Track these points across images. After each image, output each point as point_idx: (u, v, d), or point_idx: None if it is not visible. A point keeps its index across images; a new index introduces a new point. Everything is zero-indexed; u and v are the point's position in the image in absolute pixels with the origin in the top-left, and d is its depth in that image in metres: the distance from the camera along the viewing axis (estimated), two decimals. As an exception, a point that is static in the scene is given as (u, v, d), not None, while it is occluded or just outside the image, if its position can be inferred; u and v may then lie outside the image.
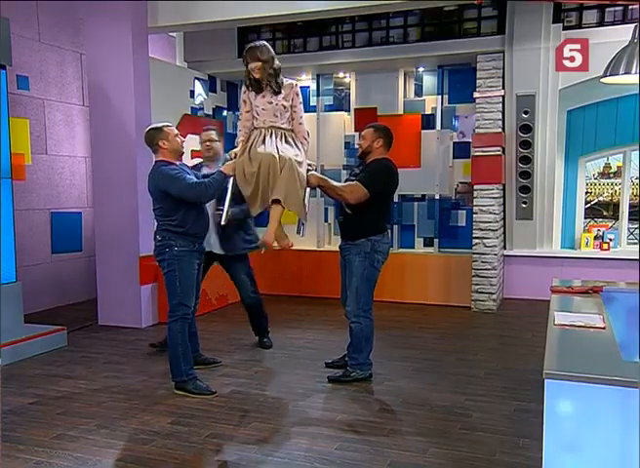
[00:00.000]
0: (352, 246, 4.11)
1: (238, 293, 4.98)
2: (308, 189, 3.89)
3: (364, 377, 4.17)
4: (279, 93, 3.76)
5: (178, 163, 3.99)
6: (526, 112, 6.35)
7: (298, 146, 3.83)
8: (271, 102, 3.75)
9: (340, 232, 4.31)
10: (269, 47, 3.79)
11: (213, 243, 4.65)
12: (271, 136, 3.74)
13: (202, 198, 3.85)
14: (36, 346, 4.84)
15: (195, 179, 3.85)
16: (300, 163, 3.75)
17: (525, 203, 6.59)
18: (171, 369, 3.98)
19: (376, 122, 4.61)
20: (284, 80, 3.83)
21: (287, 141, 3.79)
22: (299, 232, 4.02)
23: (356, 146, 4.43)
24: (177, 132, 3.98)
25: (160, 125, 3.96)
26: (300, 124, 3.87)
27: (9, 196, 4.88)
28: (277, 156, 3.64)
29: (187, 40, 7.31)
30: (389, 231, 4.48)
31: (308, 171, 3.88)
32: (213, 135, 4.81)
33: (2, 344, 4.39)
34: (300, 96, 3.89)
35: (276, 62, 3.77)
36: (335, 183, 4.05)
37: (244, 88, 3.89)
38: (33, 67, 6.36)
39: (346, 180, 4.27)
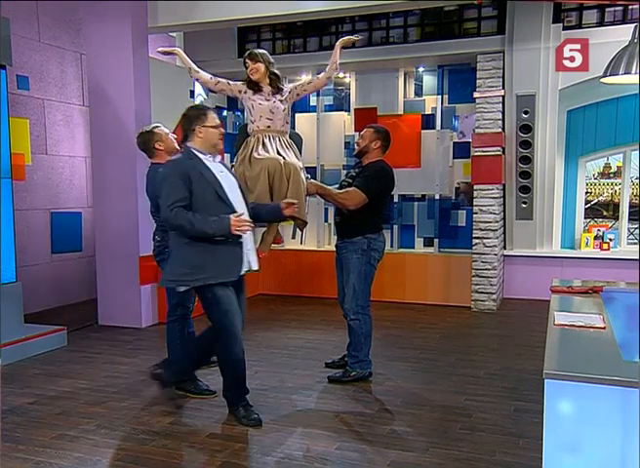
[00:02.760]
0: (349, 243, 4.12)
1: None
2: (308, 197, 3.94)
3: (364, 376, 4.18)
4: (277, 93, 3.87)
5: None
6: (526, 112, 6.35)
7: (294, 152, 3.87)
8: (269, 100, 3.82)
9: (337, 231, 4.31)
10: (268, 54, 3.97)
11: (252, 259, 3.44)
12: (269, 139, 3.76)
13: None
14: (36, 346, 4.84)
15: None
16: (301, 169, 3.79)
17: (525, 203, 6.59)
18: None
19: (377, 123, 4.63)
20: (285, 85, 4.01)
21: (284, 146, 3.81)
22: (294, 237, 4.04)
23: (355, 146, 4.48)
24: (167, 131, 3.98)
25: (150, 127, 3.96)
26: None
27: (9, 196, 4.89)
28: (282, 163, 3.66)
29: (187, 40, 7.31)
30: (387, 230, 4.50)
31: (307, 178, 3.92)
32: None
33: (2, 344, 4.39)
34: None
35: (275, 68, 3.92)
36: (333, 191, 4.08)
37: (242, 84, 3.98)
38: (33, 67, 6.35)
39: (342, 183, 4.29)
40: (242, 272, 3.35)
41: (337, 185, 4.26)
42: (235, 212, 3.23)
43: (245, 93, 3.90)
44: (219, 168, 3.36)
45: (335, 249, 4.33)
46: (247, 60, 3.89)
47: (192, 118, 3.35)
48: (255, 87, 3.86)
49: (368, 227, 4.10)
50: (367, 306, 4.17)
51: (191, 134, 3.34)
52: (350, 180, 4.14)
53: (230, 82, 4.00)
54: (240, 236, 3.24)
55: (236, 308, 3.35)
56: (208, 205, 3.20)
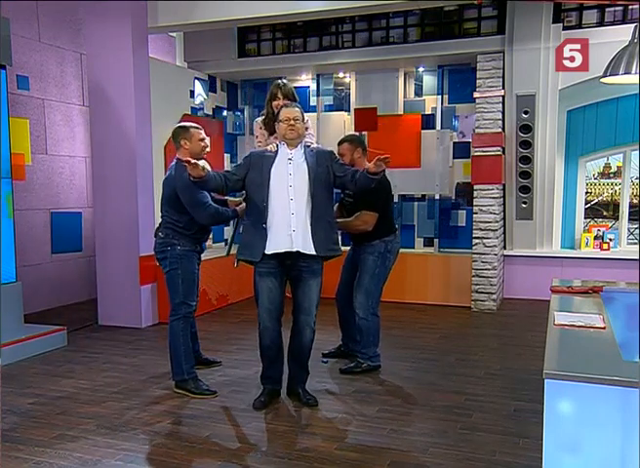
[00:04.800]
0: (367, 246, 4.26)
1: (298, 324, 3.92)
2: None
3: (375, 367, 4.35)
4: None
5: None
6: (526, 112, 6.35)
7: None
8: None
9: (354, 240, 4.42)
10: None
11: (299, 242, 3.52)
12: None
13: (202, 220, 3.85)
14: (36, 346, 4.84)
15: (209, 199, 3.82)
16: None
17: (525, 203, 6.59)
18: (172, 367, 3.98)
19: (344, 135, 4.74)
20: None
21: None
22: None
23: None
24: (203, 136, 3.95)
25: (188, 124, 3.98)
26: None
27: (9, 196, 4.88)
28: None
29: (187, 40, 7.31)
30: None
31: None
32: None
33: (2, 344, 4.39)
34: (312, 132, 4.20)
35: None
36: (345, 220, 4.19)
37: (260, 124, 4.17)
38: (33, 67, 6.35)
39: (343, 201, 4.39)
40: (269, 252, 3.50)
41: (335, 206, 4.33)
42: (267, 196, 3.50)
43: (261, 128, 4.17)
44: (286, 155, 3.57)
45: (351, 250, 4.44)
46: (279, 95, 4.01)
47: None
48: (271, 128, 3.97)
49: (384, 231, 4.25)
50: (376, 306, 4.32)
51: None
52: (351, 200, 4.26)
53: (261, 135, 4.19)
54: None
55: (265, 299, 3.64)
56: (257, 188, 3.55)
